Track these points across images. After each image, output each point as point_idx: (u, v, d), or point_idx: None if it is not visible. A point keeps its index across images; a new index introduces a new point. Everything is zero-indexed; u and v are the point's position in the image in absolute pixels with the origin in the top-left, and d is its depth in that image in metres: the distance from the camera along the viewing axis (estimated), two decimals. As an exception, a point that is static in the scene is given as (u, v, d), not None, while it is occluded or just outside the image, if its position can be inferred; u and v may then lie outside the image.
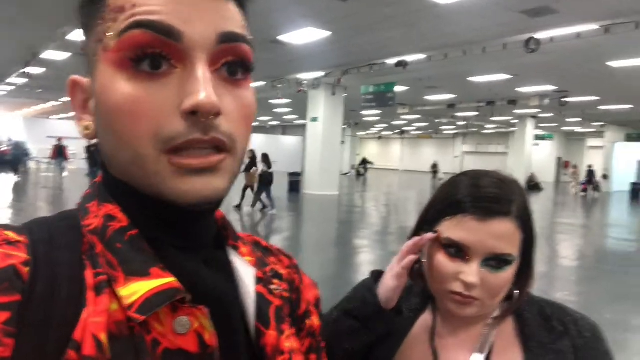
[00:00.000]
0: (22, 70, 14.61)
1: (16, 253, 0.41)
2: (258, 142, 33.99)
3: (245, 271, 0.53)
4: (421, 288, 0.92)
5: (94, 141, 0.49)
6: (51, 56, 12.92)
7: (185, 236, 0.49)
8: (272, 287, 0.55)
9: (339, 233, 10.24)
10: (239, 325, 0.50)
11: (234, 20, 0.46)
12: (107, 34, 0.43)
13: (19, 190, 14.80)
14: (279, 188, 17.84)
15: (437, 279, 0.83)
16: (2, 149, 20.32)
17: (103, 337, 0.40)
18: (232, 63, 0.45)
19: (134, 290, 0.42)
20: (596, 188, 23.90)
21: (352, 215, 12.78)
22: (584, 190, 23.64)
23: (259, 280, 0.54)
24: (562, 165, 35.12)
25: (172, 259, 0.46)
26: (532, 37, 9.39)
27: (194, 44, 0.42)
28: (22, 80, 17.10)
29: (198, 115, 0.41)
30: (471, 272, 0.79)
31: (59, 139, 16.91)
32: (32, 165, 21.21)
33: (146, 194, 0.46)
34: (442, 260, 0.82)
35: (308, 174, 17.10)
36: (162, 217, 0.47)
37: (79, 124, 0.48)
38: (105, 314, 0.41)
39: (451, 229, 0.81)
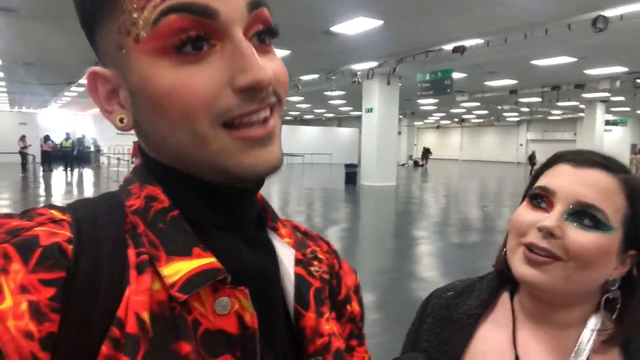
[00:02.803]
0: (91, 72, 15.43)
1: (61, 231, 0.42)
2: (314, 134, 34.27)
3: (285, 252, 0.53)
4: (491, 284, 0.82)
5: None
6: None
7: (229, 216, 0.49)
8: (312, 268, 0.55)
9: (396, 224, 10.13)
10: (279, 306, 0.51)
11: None
12: (137, 25, 0.42)
13: (93, 185, 15.74)
14: (336, 179, 17.91)
15: (512, 234, 0.74)
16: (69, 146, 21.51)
17: (145, 315, 0.40)
18: (261, 32, 0.46)
19: (176, 269, 0.42)
20: None
21: (410, 207, 12.61)
22: None
23: (299, 262, 0.54)
24: (637, 151, 32.94)
25: (214, 239, 0.47)
26: (600, 15, 8.81)
27: (229, 19, 0.42)
28: (92, 81, 18.08)
29: (255, 91, 0.43)
30: (550, 217, 0.69)
31: None
32: (104, 160, 22.53)
33: (193, 176, 0.46)
34: (522, 210, 0.75)
35: (364, 165, 17.02)
36: (206, 197, 0.47)
37: (111, 117, 0.48)
38: (147, 293, 0.41)
39: (543, 179, 0.75)
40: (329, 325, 0.53)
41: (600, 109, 24.18)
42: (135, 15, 0.42)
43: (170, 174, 0.47)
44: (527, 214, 0.74)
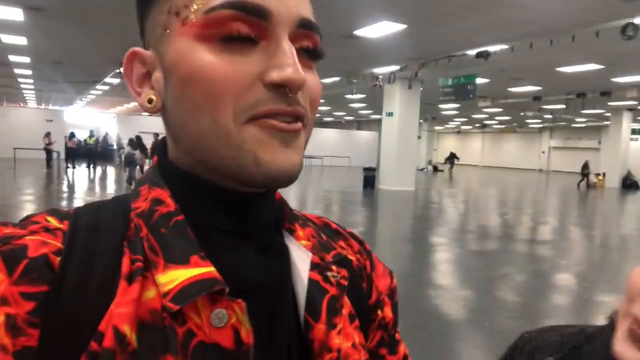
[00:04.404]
0: (116, 71, 15.73)
1: (52, 241, 0.41)
2: (333, 137, 34.27)
3: (299, 256, 0.51)
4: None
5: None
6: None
7: (240, 221, 0.47)
8: (329, 273, 0.51)
9: (414, 230, 10.07)
10: (284, 319, 0.48)
11: (309, 9, 0.47)
12: (190, 8, 0.43)
13: (114, 182, 15.99)
14: (354, 183, 17.87)
15: (625, 297, 0.57)
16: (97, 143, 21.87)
17: (126, 328, 0.39)
18: (307, 49, 0.46)
19: (172, 277, 0.41)
20: None
21: (428, 212, 12.50)
22: None
23: (315, 266, 0.50)
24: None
25: (222, 246, 0.45)
26: (631, 23, 8.62)
27: (279, 23, 0.43)
28: (116, 80, 18.45)
29: (285, 89, 0.42)
30: None
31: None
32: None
33: (204, 178, 0.46)
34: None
35: (383, 169, 16.96)
36: (217, 201, 0.46)
37: (140, 99, 0.47)
38: (132, 304, 0.40)
39: None
40: (339, 339, 0.49)
41: (626, 118, 23.66)
42: None
43: (181, 175, 0.47)
44: None
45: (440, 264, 6.89)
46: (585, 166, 23.65)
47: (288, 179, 0.44)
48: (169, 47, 0.44)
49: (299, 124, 0.44)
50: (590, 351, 0.64)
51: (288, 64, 0.42)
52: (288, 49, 0.42)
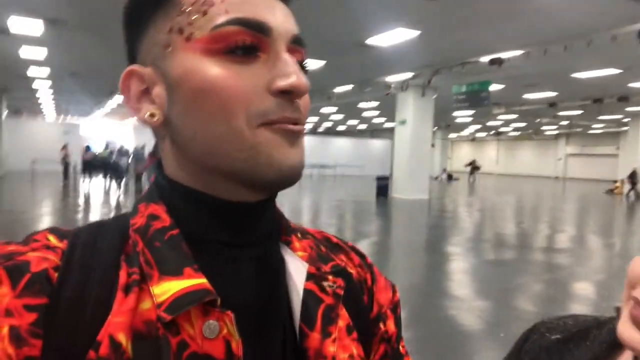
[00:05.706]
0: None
1: (52, 257, 0.43)
2: (346, 146, 34.25)
3: (296, 267, 0.52)
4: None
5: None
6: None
7: (239, 233, 0.49)
8: (326, 283, 0.52)
9: (428, 239, 9.96)
10: (276, 330, 0.49)
11: (297, 26, 0.50)
12: (194, 25, 0.45)
13: (133, 193, 16.16)
14: (367, 192, 17.79)
15: (625, 283, 0.61)
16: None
17: (122, 337, 0.40)
18: (298, 63, 0.49)
19: (166, 289, 0.43)
20: None
21: (442, 221, 12.37)
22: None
23: (311, 277, 0.52)
24: None
25: (214, 259, 0.47)
26: (647, 26, 8.49)
27: (279, 38, 0.47)
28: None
29: (291, 95, 0.46)
30: None
31: None
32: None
33: (205, 192, 0.47)
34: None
35: (396, 177, 16.87)
36: (215, 213, 0.48)
37: (140, 114, 0.49)
38: (128, 314, 0.41)
39: None
40: (333, 347, 0.50)
41: (645, 123, 23.29)
42: (194, 17, 0.45)
43: (178, 190, 0.49)
44: None
45: (455, 274, 6.79)
46: (634, 175, 22.31)
47: (296, 176, 0.47)
48: (174, 62, 0.46)
49: (302, 126, 0.48)
50: (597, 334, 0.68)
51: (292, 72, 0.45)
52: (289, 60, 0.46)
